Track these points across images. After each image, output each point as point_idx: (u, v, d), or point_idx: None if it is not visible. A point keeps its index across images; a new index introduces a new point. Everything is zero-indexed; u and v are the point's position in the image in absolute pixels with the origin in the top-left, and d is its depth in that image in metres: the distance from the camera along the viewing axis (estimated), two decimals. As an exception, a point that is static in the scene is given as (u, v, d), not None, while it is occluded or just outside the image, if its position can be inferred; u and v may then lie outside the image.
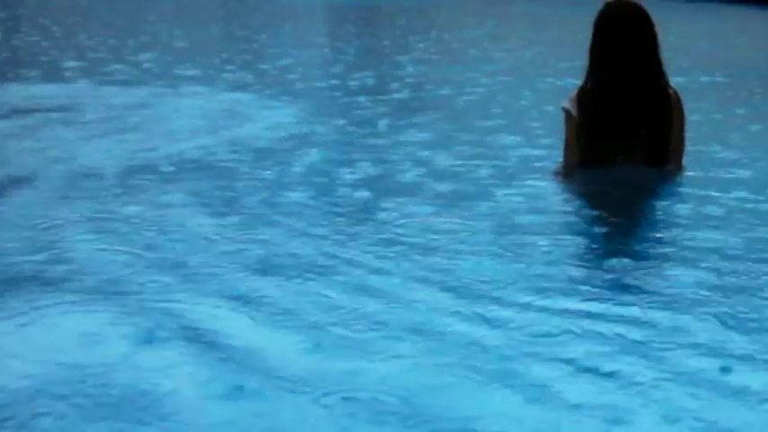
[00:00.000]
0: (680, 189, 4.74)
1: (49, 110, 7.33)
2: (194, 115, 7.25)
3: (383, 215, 4.29)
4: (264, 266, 3.55)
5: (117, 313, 3.06)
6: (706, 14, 20.49)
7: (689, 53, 11.78)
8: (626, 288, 3.33)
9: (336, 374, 2.63)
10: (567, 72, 7.11)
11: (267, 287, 3.32)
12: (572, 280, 3.44)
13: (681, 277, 3.43)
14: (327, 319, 3.02)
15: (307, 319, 3.03)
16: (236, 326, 2.98)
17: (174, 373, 2.63)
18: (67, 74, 9.52)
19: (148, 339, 2.85)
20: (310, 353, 2.79)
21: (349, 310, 3.10)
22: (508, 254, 3.71)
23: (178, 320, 3.00)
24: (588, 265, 3.65)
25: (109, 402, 2.47)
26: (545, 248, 3.78)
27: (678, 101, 4.78)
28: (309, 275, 3.44)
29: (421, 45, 13.61)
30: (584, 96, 4.77)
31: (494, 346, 2.83)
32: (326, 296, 3.23)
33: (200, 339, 2.86)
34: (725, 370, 2.67)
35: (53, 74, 9.49)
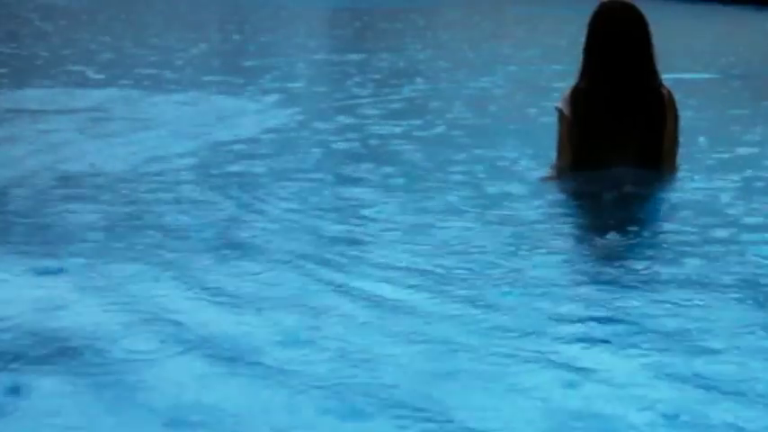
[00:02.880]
0: (673, 190, 4.73)
1: (42, 112, 7.32)
2: (189, 118, 7.23)
3: (376, 218, 4.28)
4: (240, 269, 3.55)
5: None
6: (704, 15, 20.50)
7: (686, 53, 11.78)
8: (614, 294, 3.29)
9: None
10: (564, 73, 7.10)
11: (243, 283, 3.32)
12: (560, 284, 3.41)
13: (673, 283, 3.40)
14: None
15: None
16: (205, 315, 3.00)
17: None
18: (63, 77, 9.50)
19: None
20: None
21: (325, 319, 3.05)
22: (495, 256, 3.69)
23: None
24: (576, 268, 3.62)
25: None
26: (533, 251, 3.75)
27: (672, 100, 4.77)
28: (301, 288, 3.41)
29: (418, 46, 13.61)
30: (576, 96, 4.76)
31: (480, 347, 2.81)
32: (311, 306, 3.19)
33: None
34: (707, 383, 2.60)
35: (47, 76, 9.47)
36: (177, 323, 2.99)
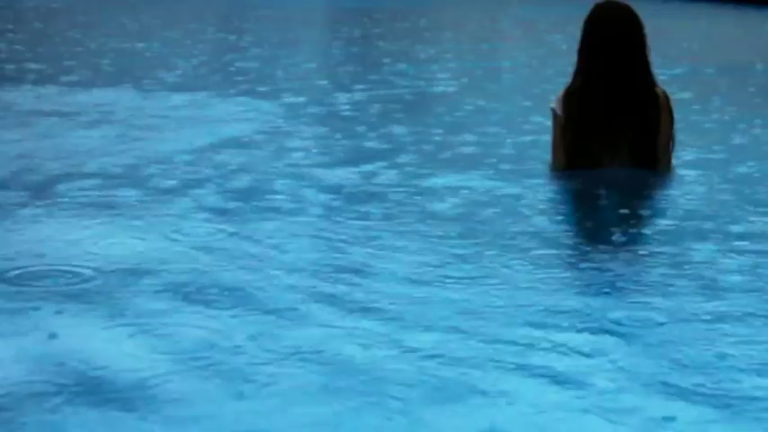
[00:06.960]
0: (668, 191, 4.72)
1: (39, 112, 7.32)
2: (187, 120, 7.24)
3: (367, 219, 4.27)
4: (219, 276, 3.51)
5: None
6: (702, 14, 20.50)
7: (684, 52, 11.78)
8: (602, 302, 3.25)
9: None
10: (563, 73, 7.11)
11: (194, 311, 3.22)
12: (548, 291, 3.36)
13: (664, 287, 3.37)
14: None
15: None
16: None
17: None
18: (60, 78, 9.50)
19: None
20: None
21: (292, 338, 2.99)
22: (484, 259, 3.67)
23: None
24: (566, 274, 3.59)
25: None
26: (522, 254, 3.73)
27: (666, 101, 4.77)
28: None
29: (418, 46, 13.60)
30: (570, 96, 4.77)
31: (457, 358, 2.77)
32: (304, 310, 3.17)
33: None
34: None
35: (44, 77, 9.47)
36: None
